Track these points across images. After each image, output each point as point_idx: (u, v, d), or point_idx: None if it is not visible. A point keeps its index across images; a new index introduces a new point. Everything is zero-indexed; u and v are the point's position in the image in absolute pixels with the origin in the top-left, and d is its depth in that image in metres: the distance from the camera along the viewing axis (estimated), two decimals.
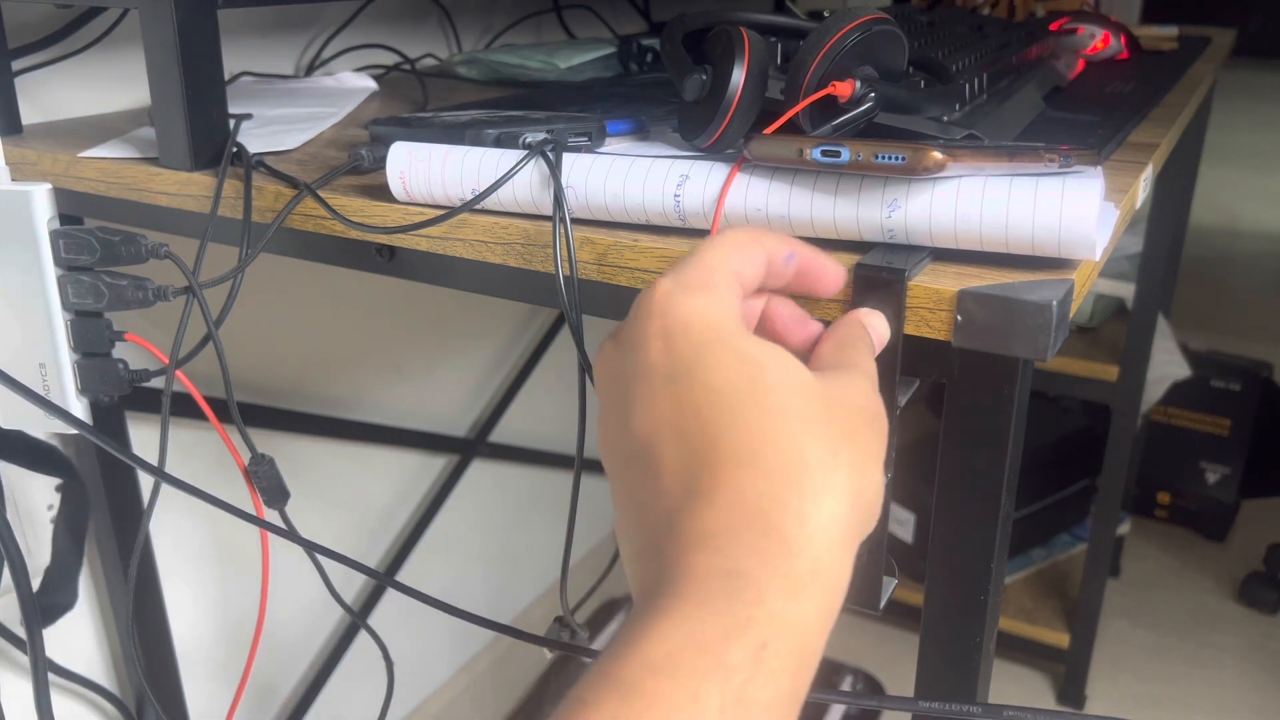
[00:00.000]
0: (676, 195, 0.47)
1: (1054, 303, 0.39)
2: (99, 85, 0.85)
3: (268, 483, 0.67)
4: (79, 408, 0.68)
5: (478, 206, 0.52)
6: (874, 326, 0.40)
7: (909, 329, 0.42)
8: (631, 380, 0.33)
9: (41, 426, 0.72)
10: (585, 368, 0.49)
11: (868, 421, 0.33)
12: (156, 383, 0.66)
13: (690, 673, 0.26)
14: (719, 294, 0.34)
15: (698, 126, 0.55)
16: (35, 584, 0.74)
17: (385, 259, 0.57)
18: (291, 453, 1.13)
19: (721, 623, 0.27)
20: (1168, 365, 1.59)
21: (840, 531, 0.30)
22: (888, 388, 0.43)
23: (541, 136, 0.54)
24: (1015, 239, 0.42)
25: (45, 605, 0.82)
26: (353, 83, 0.90)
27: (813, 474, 0.30)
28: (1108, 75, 0.90)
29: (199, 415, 0.65)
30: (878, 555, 0.47)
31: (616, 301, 0.50)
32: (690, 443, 0.31)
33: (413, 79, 0.97)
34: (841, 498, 0.31)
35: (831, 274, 0.40)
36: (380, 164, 0.56)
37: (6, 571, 0.69)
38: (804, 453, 0.30)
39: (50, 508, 0.88)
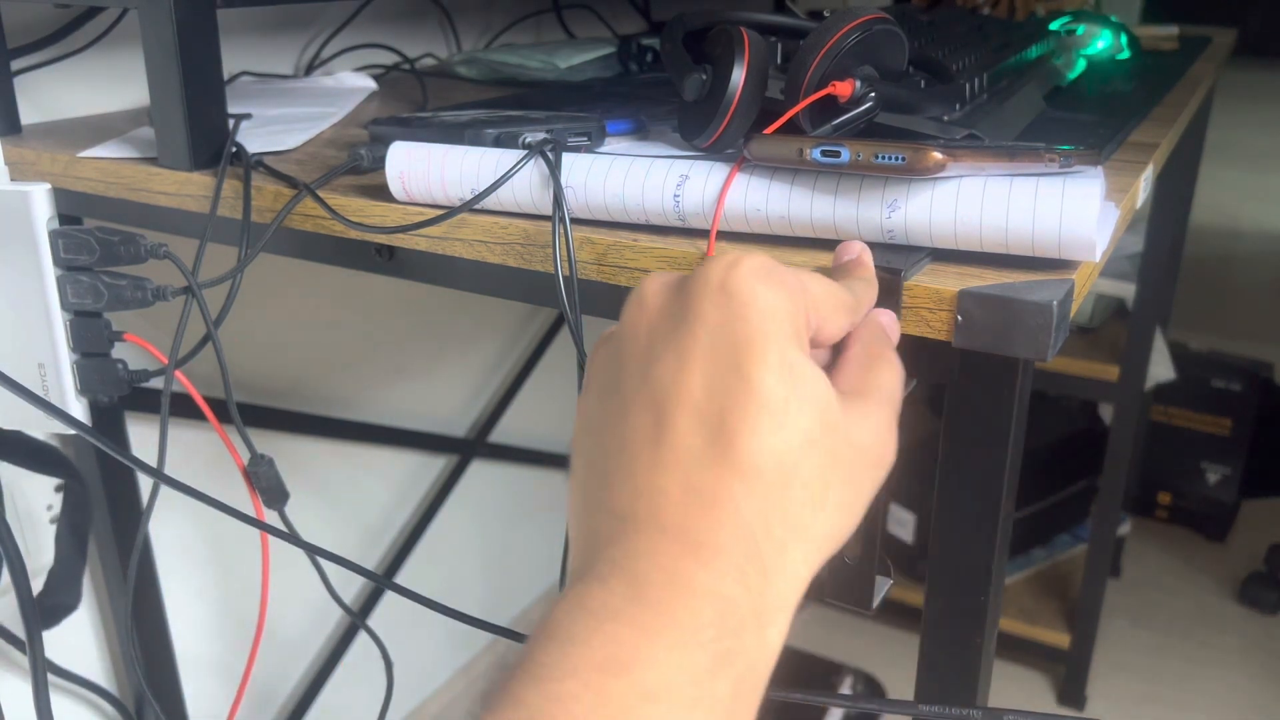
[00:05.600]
0: (676, 195, 0.47)
1: (1054, 303, 0.39)
2: (98, 85, 0.85)
3: (267, 483, 0.67)
4: (78, 408, 0.68)
5: (477, 206, 0.51)
6: (889, 327, 0.38)
7: (910, 329, 0.42)
8: (668, 330, 0.32)
9: (40, 427, 0.72)
10: (585, 367, 0.49)
11: (872, 465, 0.33)
12: (156, 383, 0.66)
13: (683, 704, 0.26)
14: (788, 293, 0.32)
15: (698, 126, 0.55)
16: (36, 584, 0.74)
17: (385, 259, 0.57)
18: (291, 453, 1.12)
19: (710, 652, 0.27)
20: (1154, 365, 1.59)
21: (807, 570, 0.31)
22: None
23: (541, 136, 0.54)
24: (1015, 240, 0.42)
25: (49, 606, 0.82)
26: (352, 82, 0.90)
27: (800, 510, 0.30)
28: (1108, 75, 0.90)
29: (198, 415, 0.65)
30: (872, 555, 0.47)
31: (616, 301, 0.50)
32: (708, 425, 0.30)
33: (412, 79, 0.97)
34: (818, 540, 0.31)
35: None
36: (380, 164, 0.56)
37: (6, 572, 0.69)
38: (802, 485, 0.30)
39: (50, 508, 0.88)
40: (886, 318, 0.39)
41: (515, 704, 0.26)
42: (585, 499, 0.33)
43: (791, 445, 0.30)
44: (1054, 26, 1.01)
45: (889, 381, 0.35)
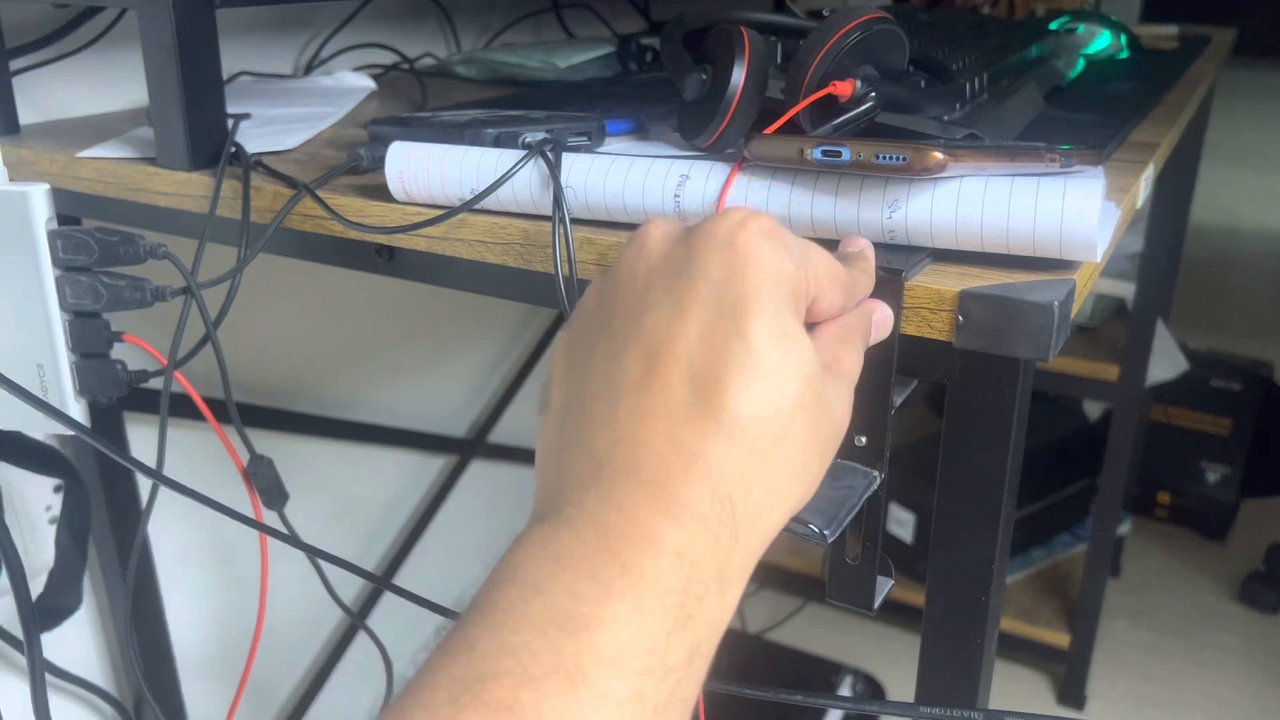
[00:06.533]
0: (676, 195, 0.47)
1: (1055, 303, 0.39)
2: (97, 85, 0.85)
3: (266, 483, 0.67)
4: (77, 409, 0.68)
5: (477, 206, 0.51)
6: (879, 322, 0.40)
7: (911, 329, 0.42)
8: (668, 277, 0.32)
9: (39, 428, 0.72)
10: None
11: (836, 436, 0.33)
12: (155, 383, 0.66)
13: (637, 672, 0.26)
14: (793, 259, 0.32)
15: (698, 126, 0.54)
16: (35, 585, 0.74)
17: (384, 259, 0.57)
18: (290, 453, 1.12)
19: (672, 617, 0.27)
20: (1155, 365, 1.59)
21: (772, 536, 0.31)
22: (882, 390, 0.43)
23: (541, 136, 0.54)
24: (1016, 240, 0.42)
25: (50, 608, 0.82)
26: (351, 82, 0.90)
27: (780, 476, 0.30)
28: (1108, 75, 0.90)
29: (198, 416, 0.65)
30: (872, 555, 0.47)
31: None
32: (699, 378, 0.30)
33: (411, 78, 0.97)
34: (788, 508, 0.31)
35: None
36: (379, 164, 0.56)
37: (5, 573, 0.69)
38: (787, 451, 0.30)
39: (48, 509, 0.88)
40: (881, 312, 0.40)
41: (469, 648, 0.26)
42: (561, 435, 0.32)
43: (781, 410, 0.30)
44: (1054, 26, 1.01)
45: (853, 364, 0.36)
